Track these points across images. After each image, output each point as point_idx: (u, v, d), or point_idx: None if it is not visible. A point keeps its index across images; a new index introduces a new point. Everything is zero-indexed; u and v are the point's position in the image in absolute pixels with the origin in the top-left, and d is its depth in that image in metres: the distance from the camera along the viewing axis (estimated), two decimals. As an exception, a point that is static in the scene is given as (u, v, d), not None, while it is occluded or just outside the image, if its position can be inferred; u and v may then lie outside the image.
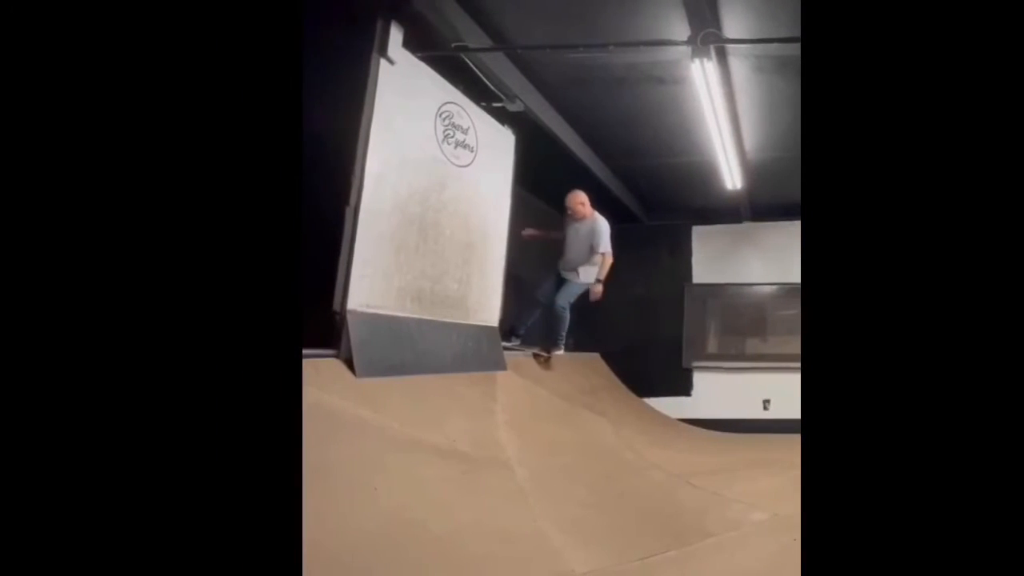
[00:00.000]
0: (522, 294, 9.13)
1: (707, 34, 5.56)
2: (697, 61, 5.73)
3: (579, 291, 8.31)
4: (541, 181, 9.53)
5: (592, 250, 8.12)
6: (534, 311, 8.55)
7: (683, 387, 11.72)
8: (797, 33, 5.56)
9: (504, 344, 7.82)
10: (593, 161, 9.07)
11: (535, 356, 8.28)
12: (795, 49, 5.95)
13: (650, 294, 12.05)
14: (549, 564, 4.12)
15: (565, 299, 8.24)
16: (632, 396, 10.59)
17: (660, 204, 11.72)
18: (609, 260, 8.10)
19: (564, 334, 8.35)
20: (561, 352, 8.39)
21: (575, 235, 8.24)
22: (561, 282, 8.33)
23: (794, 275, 11.15)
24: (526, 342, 8.44)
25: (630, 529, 4.98)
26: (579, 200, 8.20)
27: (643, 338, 11.83)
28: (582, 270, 8.22)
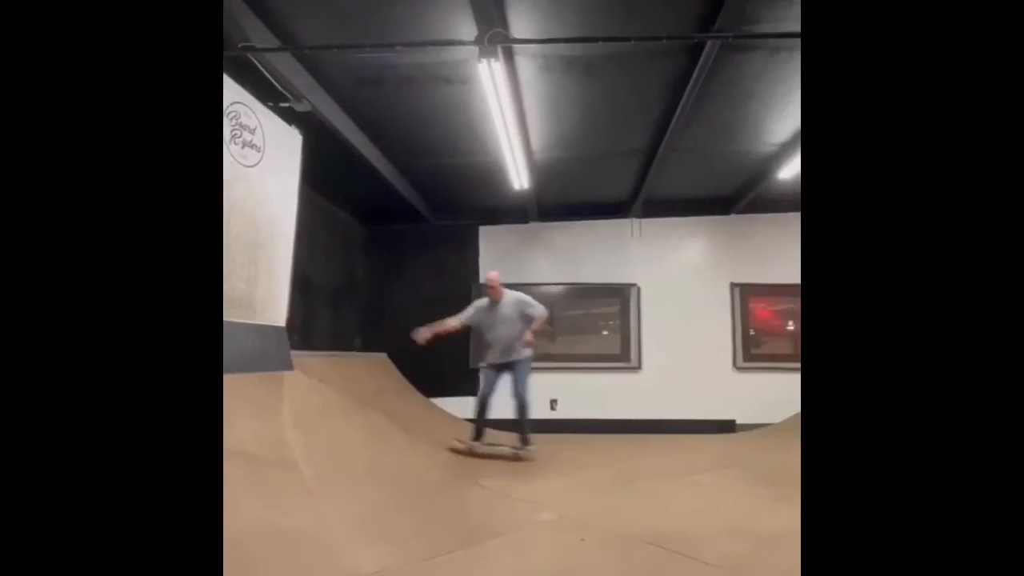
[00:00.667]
0: (309, 294, 8.99)
1: (494, 34, 5.60)
2: (484, 61, 5.76)
3: (529, 370, 8.33)
4: (329, 181, 9.46)
5: (526, 321, 8.10)
6: (484, 410, 8.40)
7: (470, 387, 11.76)
8: (583, 33, 5.69)
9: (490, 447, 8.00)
10: (380, 161, 9.01)
11: (515, 452, 8.16)
12: (582, 49, 6.10)
13: (438, 294, 12.07)
14: (336, 564, 4.06)
15: (525, 387, 8.25)
16: (420, 396, 10.63)
17: (447, 204, 11.78)
18: (546, 313, 8.17)
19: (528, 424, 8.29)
20: (534, 448, 8.23)
21: (502, 316, 8.19)
22: (504, 370, 8.31)
23: (580, 275, 11.47)
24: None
25: (418, 529, 4.96)
26: (498, 280, 8.25)
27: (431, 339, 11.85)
28: (519, 347, 8.19)
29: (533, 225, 12.33)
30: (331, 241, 10.66)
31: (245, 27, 5.47)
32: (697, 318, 11.84)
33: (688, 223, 12.22)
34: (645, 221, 12.00)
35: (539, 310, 8.06)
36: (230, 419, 5.12)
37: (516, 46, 6.13)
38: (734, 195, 11.51)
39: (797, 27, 5.67)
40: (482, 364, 8.49)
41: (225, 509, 4.16)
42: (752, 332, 12.07)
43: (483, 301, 8.43)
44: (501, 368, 8.28)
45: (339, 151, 8.05)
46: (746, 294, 12.01)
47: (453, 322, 8.38)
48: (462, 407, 11.22)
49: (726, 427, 11.30)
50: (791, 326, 12.29)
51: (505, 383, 8.27)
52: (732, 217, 12.08)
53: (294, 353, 7.22)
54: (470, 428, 8.45)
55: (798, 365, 11.26)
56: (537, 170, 9.62)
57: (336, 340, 10.68)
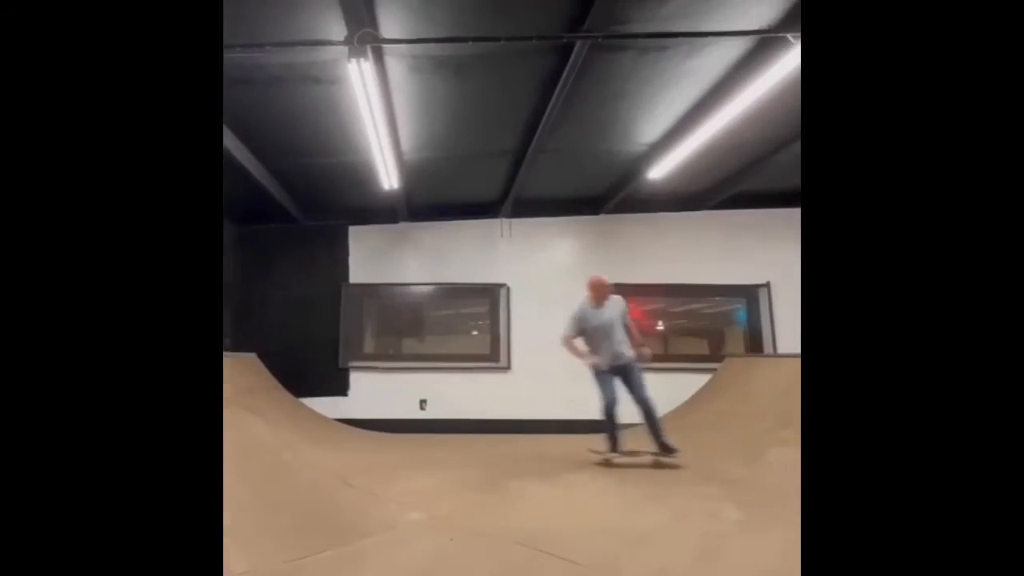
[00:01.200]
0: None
1: (363, 34, 5.58)
2: (354, 61, 5.71)
3: (642, 378, 8.05)
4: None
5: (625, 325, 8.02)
6: (615, 418, 8.04)
7: (340, 387, 11.71)
8: (453, 33, 5.69)
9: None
10: (250, 161, 8.84)
11: (656, 459, 7.85)
12: (452, 49, 6.10)
13: (307, 294, 11.95)
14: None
15: (645, 389, 7.98)
16: (289, 396, 10.50)
17: (317, 204, 11.61)
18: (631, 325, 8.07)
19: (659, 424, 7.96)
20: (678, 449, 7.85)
21: (603, 322, 8.07)
22: (619, 375, 8.09)
23: (450, 275, 11.47)
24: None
25: (287, 529, 4.91)
26: (601, 284, 8.19)
27: (300, 338, 11.74)
28: (627, 350, 8.05)
29: (403, 225, 12.28)
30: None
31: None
32: (566, 318, 11.90)
33: (558, 223, 12.33)
34: (515, 221, 12.07)
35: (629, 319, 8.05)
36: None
37: (386, 46, 6.11)
38: (604, 195, 11.63)
39: (666, 27, 5.82)
40: (595, 369, 8.19)
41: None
42: (621, 332, 12.14)
43: (585, 306, 8.32)
44: (614, 372, 8.07)
45: (208, 151, 7.86)
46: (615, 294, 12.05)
47: (577, 343, 8.32)
48: (332, 407, 11.16)
49: (597, 427, 11.37)
50: (660, 326, 12.52)
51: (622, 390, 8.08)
52: (602, 217, 12.23)
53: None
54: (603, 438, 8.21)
55: (668, 365, 11.53)
56: (407, 170, 9.59)
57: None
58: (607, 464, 7.88)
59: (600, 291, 8.15)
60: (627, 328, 8.13)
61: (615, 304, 8.16)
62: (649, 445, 7.90)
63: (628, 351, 8.03)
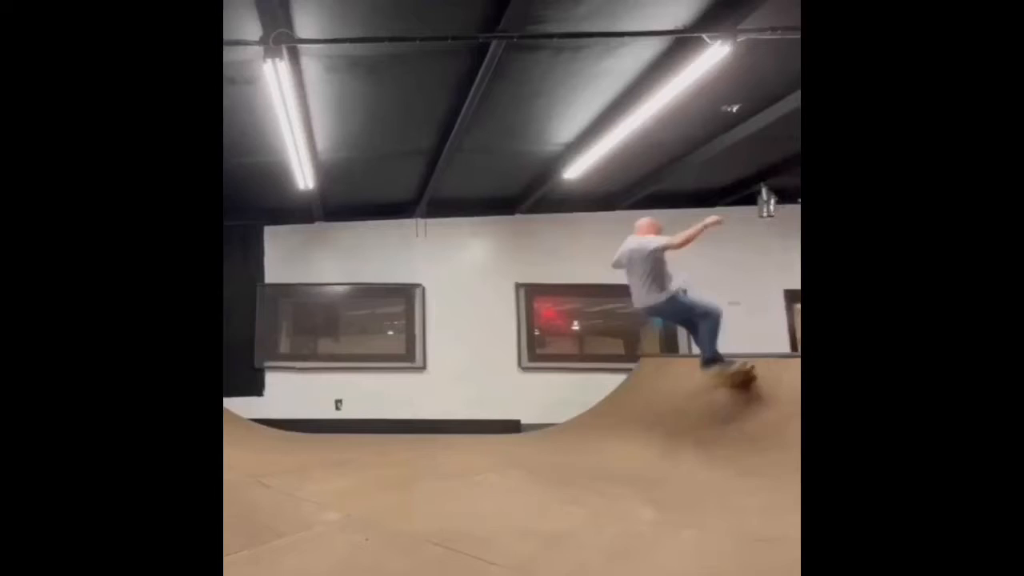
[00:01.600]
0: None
1: (279, 34, 5.55)
2: (269, 61, 5.69)
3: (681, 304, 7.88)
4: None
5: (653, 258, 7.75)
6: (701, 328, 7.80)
7: (255, 387, 11.62)
8: (368, 33, 5.69)
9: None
10: (163, 159, 8.72)
11: (741, 372, 7.64)
12: (367, 49, 6.10)
13: (223, 294, 11.80)
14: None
15: (703, 302, 7.84)
16: (204, 396, 10.35)
17: (232, 204, 11.40)
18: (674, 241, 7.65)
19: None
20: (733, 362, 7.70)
21: (632, 257, 7.92)
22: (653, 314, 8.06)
23: (366, 275, 11.43)
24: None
25: (202, 530, 4.88)
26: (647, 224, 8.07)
27: (215, 338, 11.59)
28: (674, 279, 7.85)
29: (318, 225, 12.22)
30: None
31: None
32: (483, 318, 12.00)
33: (474, 223, 12.39)
34: (431, 221, 12.08)
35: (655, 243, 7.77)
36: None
37: (301, 46, 6.10)
38: (520, 195, 11.72)
39: (581, 27, 5.91)
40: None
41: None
42: (537, 332, 12.32)
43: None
44: (652, 312, 8.07)
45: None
46: (531, 294, 12.25)
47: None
48: (247, 407, 11.05)
49: (511, 427, 11.47)
50: (576, 326, 12.64)
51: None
52: (518, 217, 12.32)
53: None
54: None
55: (582, 365, 11.64)
56: (322, 170, 9.55)
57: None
58: (748, 378, 7.74)
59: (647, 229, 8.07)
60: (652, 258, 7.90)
61: (640, 243, 7.98)
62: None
63: (657, 292, 7.88)
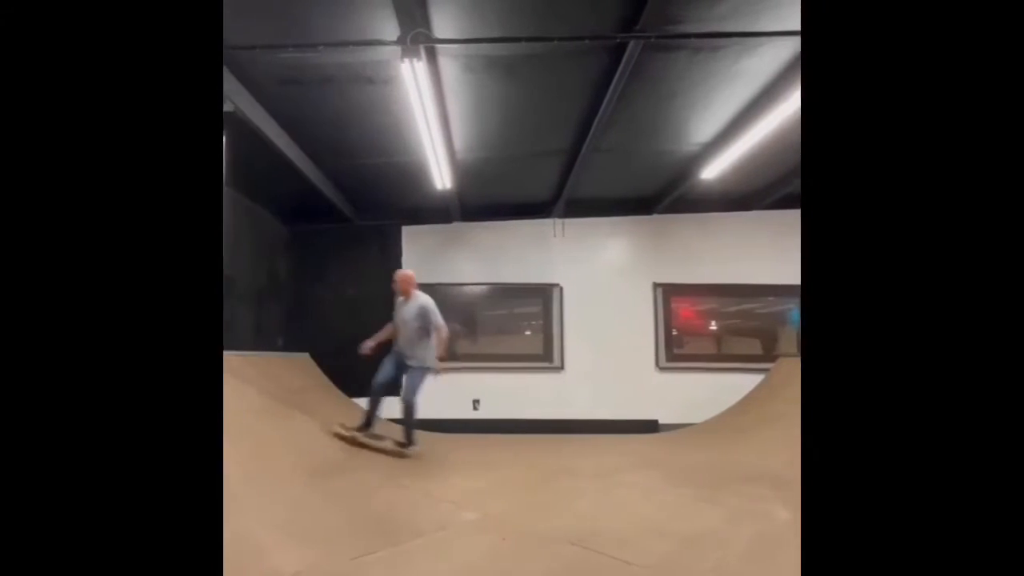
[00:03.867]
0: (232, 294, 8.90)
1: (417, 34, 5.58)
2: (407, 61, 5.72)
3: (422, 379, 8.18)
4: (252, 182, 9.32)
5: (424, 331, 8.07)
6: (377, 400, 8.31)
7: (394, 388, 11.70)
8: (506, 33, 5.67)
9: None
10: (303, 161, 8.89)
11: (398, 449, 8.12)
12: (504, 49, 6.08)
13: (360, 294, 12.00)
14: (258, 564, 4.03)
15: (413, 393, 8.13)
16: (342, 396, 10.52)
17: (370, 204, 11.67)
18: (445, 334, 8.02)
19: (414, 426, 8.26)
20: (418, 448, 8.19)
21: (402, 317, 8.17)
22: (401, 369, 8.22)
23: (503, 275, 11.44)
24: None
25: (341, 528, 4.94)
26: (404, 278, 8.23)
27: (353, 338, 11.72)
28: (418, 352, 8.13)
29: (456, 225, 12.29)
30: (254, 242, 10.51)
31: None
32: (620, 318, 11.92)
33: (611, 223, 12.28)
34: (568, 221, 12.02)
35: (436, 322, 8.08)
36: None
37: (439, 46, 6.10)
38: (656, 195, 11.55)
39: (719, 27, 5.78)
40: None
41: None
42: (675, 332, 12.16)
43: (399, 298, 8.41)
44: (400, 367, 8.28)
45: (262, 151, 7.91)
46: (668, 294, 12.09)
47: (389, 327, 8.33)
48: (385, 407, 11.16)
49: (649, 427, 11.38)
50: (713, 326, 12.43)
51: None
52: (655, 217, 12.15)
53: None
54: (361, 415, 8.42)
55: (720, 365, 11.46)
56: (460, 170, 9.59)
57: (259, 340, 10.52)
58: (352, 442, 8.01)
59: (404, 285, 8.31)
60: (434, 330, 8.18)
61: (416, 305, 8.20)
62: (396, 433, 8.30)
63: (416, 353, 8.21)
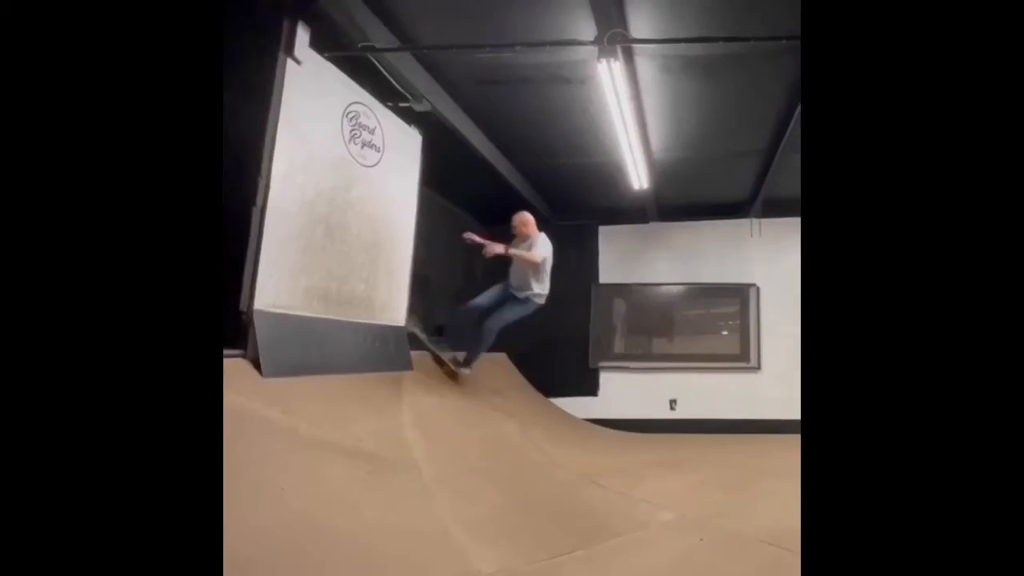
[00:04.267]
0: (429, 294, 9.12)
1: (614, 34, 5.60)
2: (604, 61, 5.76)
3: (515, 317, 8.23)
4: (448, 181, 9.54)
5: (535, 271, 8.13)
6: (471, 314, 8.30)
7: (590, 387, 11.82)
8: (703, 33, 5.63)
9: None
10: (500, 161, 9.07)
11: (447, 361, 8.22)
12: (701, 49, 6.04)
13: (557, 294, 12.05)
14: (455, 564, 4.10)
15: (498, 323, 8.15)
16: (539, 396, 10.64)
17: (567, 204, 11.77)
18: (533, 258, 7.94)
19: (481, 354, 8.28)
20: (469, 372, 8.24)
21: (520, 255, 8.17)
22: (503, 300, 8.27)
23: (700, 275, 11.33)
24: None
25: (537, 529, 4.98)
26: (521, 221, 8.24)
27: (550, 338, 11.86)
28: (527, 287, 8.20)
29: (652, 225, 12.22)
30: (451, 241, 10.74)
31: (365, 27, 5.58)
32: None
33: (809, 222, 11.85)
34: (765, 221, 11.74)
35: (538, 249, 8.02)
36: (350, 419, 5.22)
37: (635, 46, 6.10)
38: (856, 193, 11.07)
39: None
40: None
41: (346, 508, 4.25)
42: (874, 333, 11.67)
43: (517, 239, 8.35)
44: (503, 299, 8.24)
45: (458, 151, 8.12)
46: (869, 294, 11.60)
47: (498, 246, 8.07)
48: (581, 407, 11.21)
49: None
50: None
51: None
52: (854, 215, 11.67)
53: (413, 353, 7.33)
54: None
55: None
56: (656, 170, 9.53)
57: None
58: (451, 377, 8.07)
59: (524, 228, 8.14)
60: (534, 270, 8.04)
61: (540, 243, 8.05)
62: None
63: (535, 288, 8.08)
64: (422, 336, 8.15)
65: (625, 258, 12.19)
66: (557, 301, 11.83)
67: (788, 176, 9.72)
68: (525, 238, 8.18)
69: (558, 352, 11.86)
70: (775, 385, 11.28)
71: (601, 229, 12.41)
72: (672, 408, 11.44)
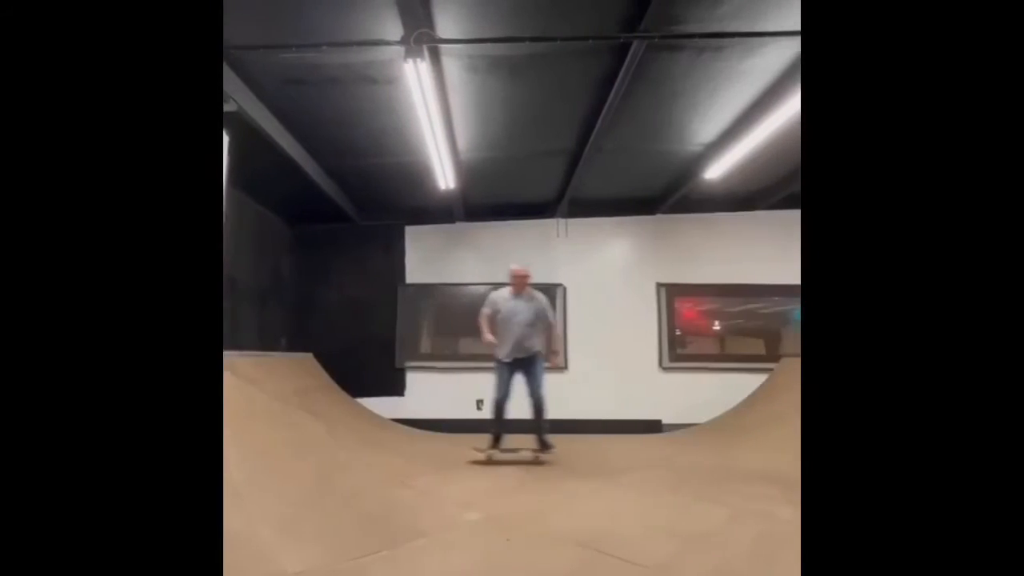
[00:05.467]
0: (236, 294, 8.92)
1: (420, 34, 5.58)
2: (410, 61, 5.71)
3: (543, 372, 8.20)
4: (255, 182, 9.33)
5: (537, 327, 8.12)
6: (503, 415, 8.31)
7: (397, 387, 11.80)
8: (509, 33, 5.66)
9: None
10: (307, 161, 8.89)
11: (535, 455, 8.16)
12: (508, 49, 6.08)
13: (363, 294, 12.03)
14: (262, 564, 4.04)
15: (539, 388, 8.16)
16: (346, 396, 10.52)
17: (373, 204, 11.69)
18: (557, 331, 8.03)
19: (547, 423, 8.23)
20: (554, 447, 8.20)
21: (513, 312, 8.13)
22: (515, 371, 8.19)
23: (505, 275, 11.44)
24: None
25: (344, 529, 4.94)
26: (521, 275, 8.27)
27: (357, 338, 11.80)
28: (536, 346, 8.15)
29: (459, 225, 12.30)
30: (258, 242, 10.52)
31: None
32: (623, 318, 11.93)
33: (614, 223, 12.29)
34: (571, 221, 11.99)
35: (554, 323, 8.19)
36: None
37: (442, 46, 6.10)
38: (660, 195, 11.55)
39: (722, 27, 5.78)
40: (495, 361, 8.28)
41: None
42: (678, 332, 12.16)
43: (502, 292, 8.38)
44: (514, 366, 8.18)
45: (265, 152, 7.92)
46: (672, 294, 12.10)
47: (486, 321, 8.23)
48: (389, 407, 11.19)
49: (652, 427, 11.38)
50: (717, 326, 12.43)
51: (519, 384, 8.24)
52: (658, 217, 12.17)
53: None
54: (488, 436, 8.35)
55: (724, 365, 11.47)
56: (463, 170, 9.59)
57: (263, 340, 10.54)
58: (488, 461, 8.05)
59: (519, 281, 8.25)
60: (548, 327, 8.29)
61: (535, 300, 8.23)
62: (528, 443, 8.19)
63: (537, 345, 8.14)
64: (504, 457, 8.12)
65: (432, 258, 12.22)
66: (365, 301, 11.78)
67: (594, 176, 9.97)
68: (520, 292, 8.21)
69: (365, 352, 11.79)
70: (582, 385, 11.54)
71: (408, 229, 12.40)
72: (479, 408, 11.47)
